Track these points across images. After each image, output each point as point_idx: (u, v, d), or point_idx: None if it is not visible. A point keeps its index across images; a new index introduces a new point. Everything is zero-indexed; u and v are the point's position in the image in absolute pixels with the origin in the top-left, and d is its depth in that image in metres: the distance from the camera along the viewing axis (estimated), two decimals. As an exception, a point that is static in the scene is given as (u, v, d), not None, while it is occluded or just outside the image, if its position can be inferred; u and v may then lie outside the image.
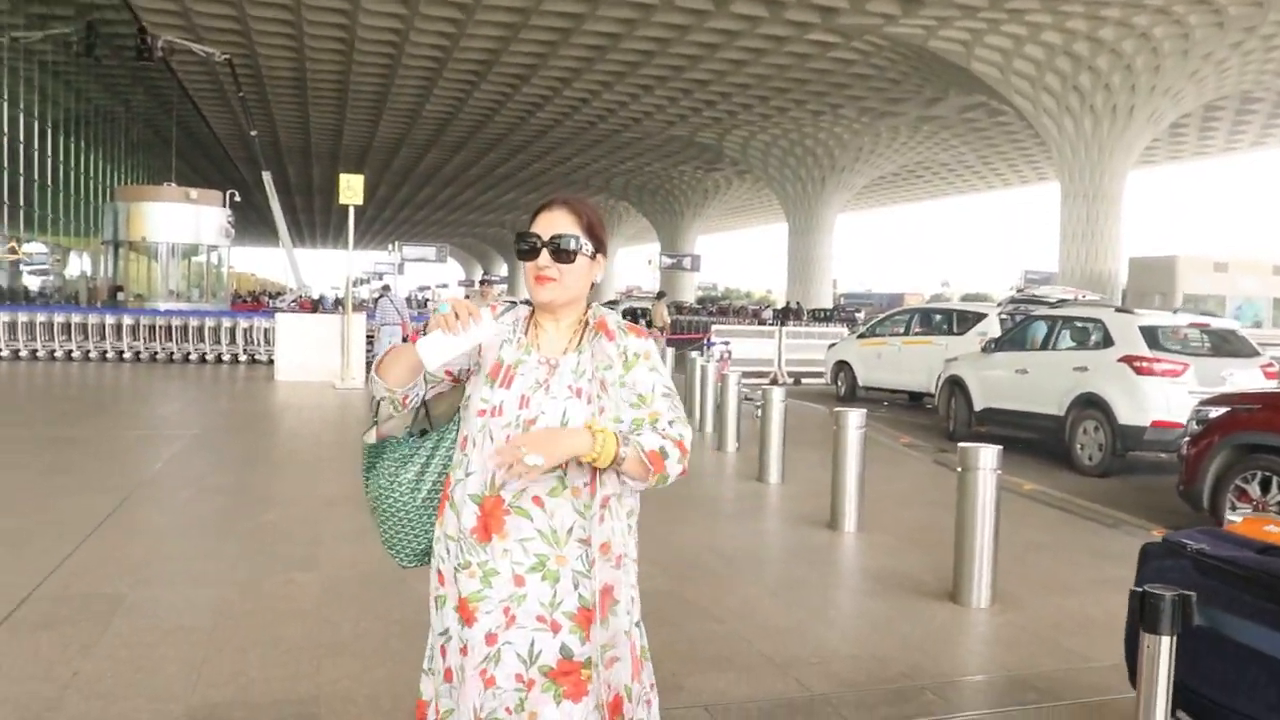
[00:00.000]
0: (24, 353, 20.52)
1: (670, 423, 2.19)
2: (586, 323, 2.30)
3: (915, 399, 15.89)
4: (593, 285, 2.33)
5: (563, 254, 2.22)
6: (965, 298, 52.51)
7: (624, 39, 31.62)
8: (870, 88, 36.83)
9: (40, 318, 21.32)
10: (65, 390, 16.05)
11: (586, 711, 2.12)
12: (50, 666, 3.98)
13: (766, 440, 8.45)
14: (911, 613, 5.00)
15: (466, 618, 2.15)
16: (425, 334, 2.13)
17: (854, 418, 6.68)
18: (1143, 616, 2.19)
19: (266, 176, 31.34)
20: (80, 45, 31.66)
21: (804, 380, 19.74)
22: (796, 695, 3.89)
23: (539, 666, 2.11)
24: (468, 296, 10.30)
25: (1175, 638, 2.18)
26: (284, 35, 32.91)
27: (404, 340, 2.33)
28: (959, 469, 5.14)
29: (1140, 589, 2.23)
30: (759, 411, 8.77)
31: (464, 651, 2.16)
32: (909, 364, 15.46)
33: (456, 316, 2.07)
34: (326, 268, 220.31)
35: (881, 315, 19.14)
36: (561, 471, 2.13)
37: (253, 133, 32.21)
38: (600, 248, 2.32)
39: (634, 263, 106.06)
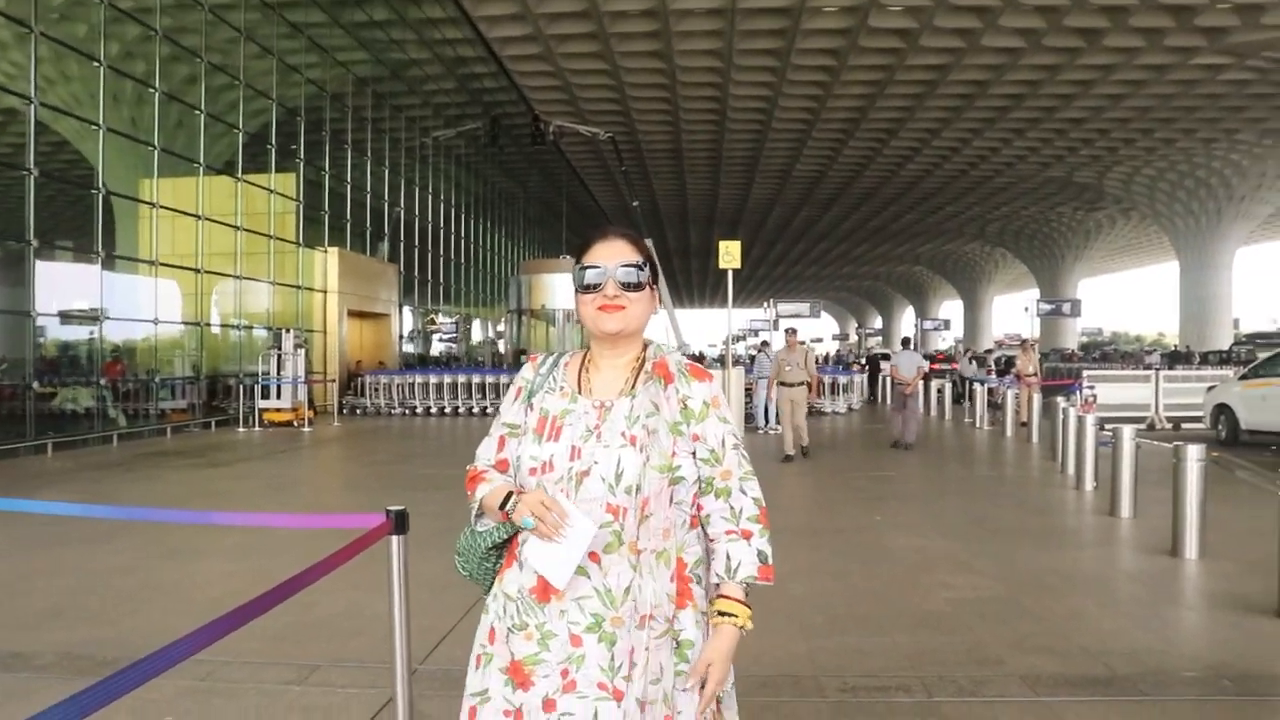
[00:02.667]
0: (447, 409, 24.04)
1: (743, 485, 2.15)
2: (643, 363, 2.22)
3: (1311, 443, 14.85)
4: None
5: (629, 284, 2.17)
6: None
7: (992, 84, 31.59)
8: (1272, 107, 34.21)
9: (460, 378, 24.88)
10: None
11: None
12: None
13: (1118, 477, 8.81)
14: (1231, 625, 5.42)
15: (521, 681, 2.04)
16: (523, 540, 2.10)
17: (1194, 450, 7.05)
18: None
19: (648, 243, 33.96)
20: (486, 137, 36.12)
21: (1184, 425, 19.01)
22: (1101, 674, 4.57)
23: None
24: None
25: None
26: (661, 111, 35.73)
27: None
28: (1280, 492, 5.52)
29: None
30: (1110, 449, 9.10)
31: (518, 716, 2.03)
32: (1298, 406, 14.56)
33: (545, 522, 2.01)
34: (704, 326, 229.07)
35: (1268, 354, 18.07)
36: (618, 526, 2.05)
37: (634, 203, 34.89)
38: (654, 278, 2.26)
39: (1011, 310, 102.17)
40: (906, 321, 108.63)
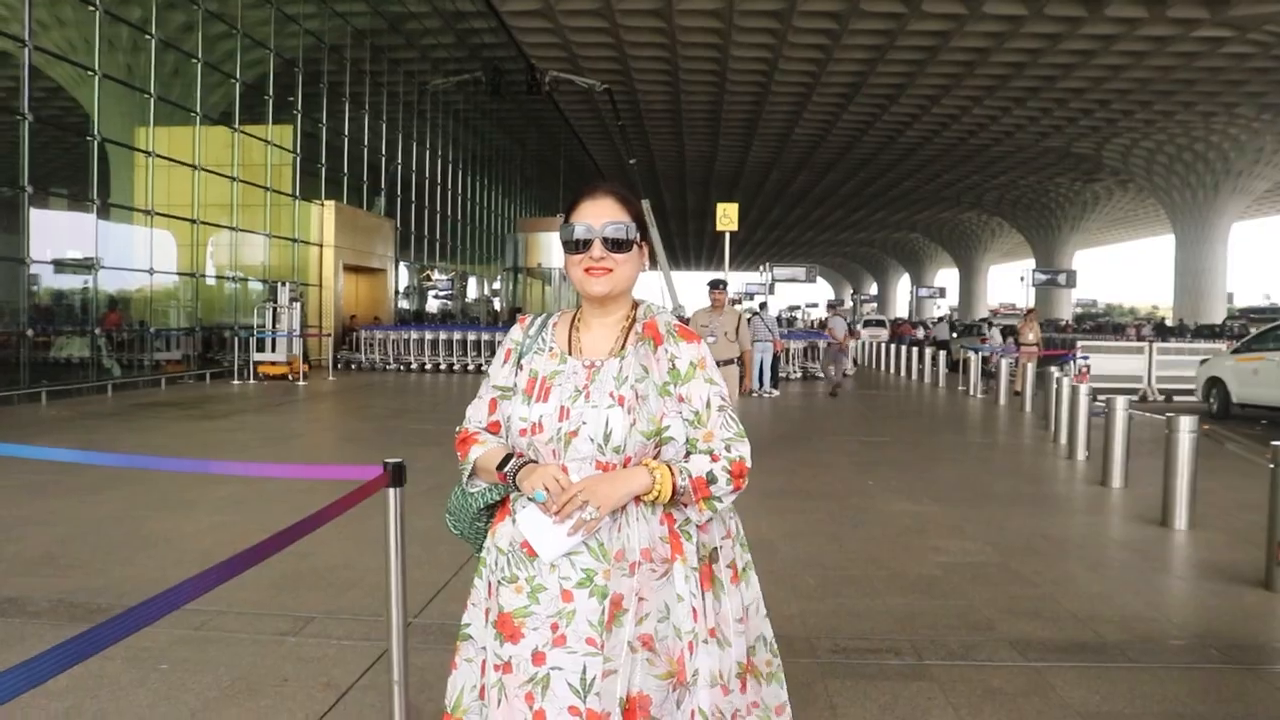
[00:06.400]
0: (442, 366, 24.03)
1: (727, 445, 2.08)
2: (633, 323, 2.21)
3: (1302, 418, 14.91)
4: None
5: (616, 244, 2.13)
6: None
7: (993, 53, 31.41)
8: (1272, 82, 34.11)
9: (456, 335, 24.85)
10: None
11: None
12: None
13: (1110, 447, 8.84)
14: (1219, 594, 5.45)
15: (510, 634, 2.03)
16: (516, 499, 2.11)
17: (1186, 422, 7.07)
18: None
19: (645, 204, 33.75)
20: (488, 87, 35.57)
21: (1176, 398, 19.11)
22: (1090, 640, 4.61)
23: (595, 694, 1.96)
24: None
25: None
26: (660, 70, 35.45)
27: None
28: (1270, 465, 5.54)
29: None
30: (1102, 419, 9.13)
31: (506, 669, 2.02)
32: (1291, 380, 14.60)
33: (556, 501, 1.98)
34: (699, 289, 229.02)
35: (1260, 329, 18.12)
36: None
37: (631, 161, 34.61)
38: (644, 236, 2.20)
39: (1007, 279, 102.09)
40: (902, 288, 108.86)
